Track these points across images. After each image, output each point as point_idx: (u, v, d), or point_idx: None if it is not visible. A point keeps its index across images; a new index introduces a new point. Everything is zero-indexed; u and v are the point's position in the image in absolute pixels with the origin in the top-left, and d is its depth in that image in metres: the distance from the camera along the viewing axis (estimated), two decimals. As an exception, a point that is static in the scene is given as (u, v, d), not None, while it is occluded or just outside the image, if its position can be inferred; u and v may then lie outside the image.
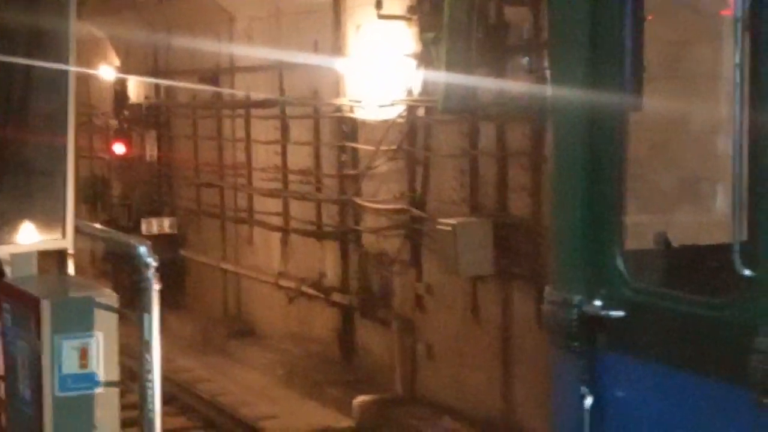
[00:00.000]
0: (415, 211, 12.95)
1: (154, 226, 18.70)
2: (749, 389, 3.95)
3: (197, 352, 16.87)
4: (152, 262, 6.04)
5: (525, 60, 9.59)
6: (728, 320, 4.11)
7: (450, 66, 10.00)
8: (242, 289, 17.73)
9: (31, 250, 6.56)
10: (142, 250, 6.03)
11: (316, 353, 15.25)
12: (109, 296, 6.15)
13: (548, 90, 5.32)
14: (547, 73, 5.42)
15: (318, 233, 15.23)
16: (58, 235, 6.52)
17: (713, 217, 7.64)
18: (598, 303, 4.66)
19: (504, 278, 11.59)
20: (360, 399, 13.05)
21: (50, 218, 6.57)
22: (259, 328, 17.05)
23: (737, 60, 4.03)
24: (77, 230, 6.71)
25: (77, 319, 6.03)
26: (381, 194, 13.70)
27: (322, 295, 14.98)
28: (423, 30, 12.01)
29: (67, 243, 6.56)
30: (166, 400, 13.16)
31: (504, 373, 11.76)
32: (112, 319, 6.11)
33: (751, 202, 4.16)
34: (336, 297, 14.72)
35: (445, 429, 12.24)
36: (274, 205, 16.35)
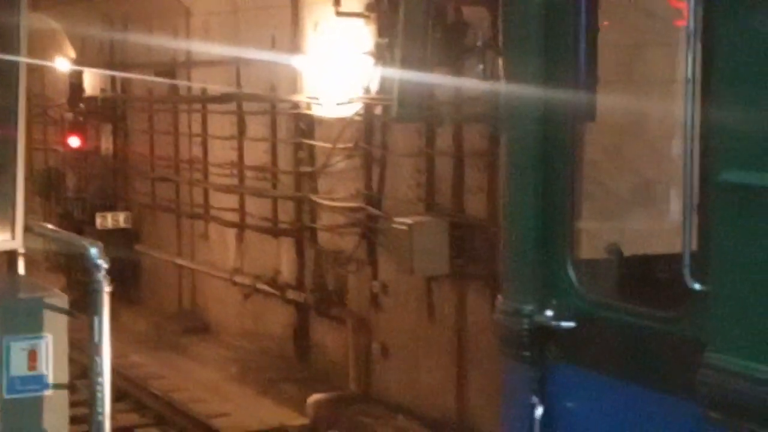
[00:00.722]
0: (372, 210, 12.94)
1: (108, 220, 18.59)
2: (697, 403, 3.95)
3: (151, 348, 16.77)
4: (103, 264, 6.00)
5: (480, 66, 9.56)
6: (677, 334, 4.12)
7: (405, 67, 9.99)
8: (197, 285, 17.65)
9: (-20, 251, 6.50)
10: (93, 251, 5.99)
11: (270, 350, 15.20)
12: (59, 298, 6.11)
13: (501, 94, 5.29)
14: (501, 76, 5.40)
15: (274, 230, 15.19)
16: (7, 235, 6.46)
17: (667, 223, 7.66)
18: (549, 313, 4.66)
19: (459, 278, 11.60)
20: (314, 397, 13.02)
21: (-1, 218, 6.50)
22: (214, 324, 16.98)
23: (689, 73, 4.04)
24: (28, 230, 6.65)
25: (26, 320, 5.99)
26: (337, 192, 13.67)
27: (277, 293, 14.93)
28: (381, 28, 11.98)
29: (17, 244, 6.50)
30: (118, 397, 13.11)
31: (458, 373, 11.78)
32: (62, 320, 6.08)
33: (702, 213, 4.17)
34: (291, 294, 14.68)
35: (398, 428, 12.24)
36: (230, 201, 16.29)
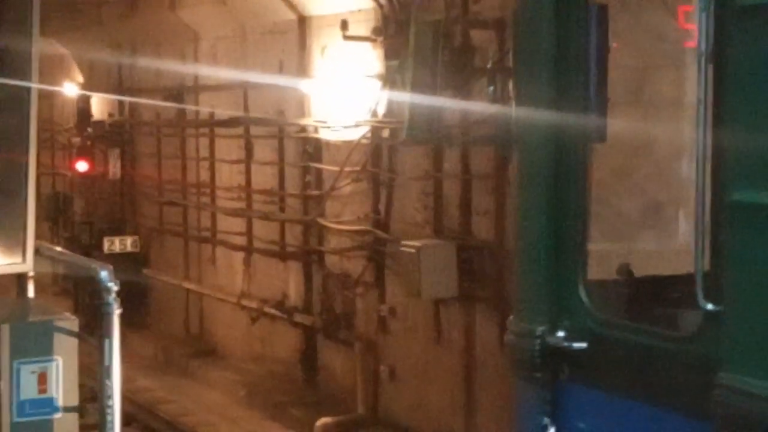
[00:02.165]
0: (379, 233, 12.93)
1: (116, 244, 18.59)
2: (711, 423, 3.94)
3: (159, 372, 16.75)
4: (113, 287, 6.01)
5: (490, 88, 9.59)
6: (690, 354, 4.11)
7: (415, 90, 10.01)
8: (205, 309, 17.64)
9: (-9, 274, 6.51)
10: (104, 274, 6.00)
11: (278, 374, 15.18)
12: (69, 320, 6.11)
13: (513, 116, 5.31)
14: (512, 99, 5.41)
15: (281, 253, 15.18)
16: (18, 258, 6.47)
17: (676, 244, 7.66)
18: (561, 334, 4.65)
19: (467, 301, 11.58)
20: (322, 420, 12.99)
21: (10, 241, 6.51)
22: (221, 348, 16.96)
23: (701, 94, 4.04)
24: (38, 253, 6.66)
25: (36, 343, 5.98)
26: (345, 215, 13.67)
27: (284, 316, 14.92)
28: (388, 52, 12.01)
29: (27, 267, 6.51)
30: (126, 422, 13.05)
31: (466, 397, 11.75)
32: (73, 343, 6.07)
33: (714, 234, 4.17)
34: (299, 318, 14.66)
35: (407, 451, 12.21)
36: (238, 224, 16.29)
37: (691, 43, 4.84)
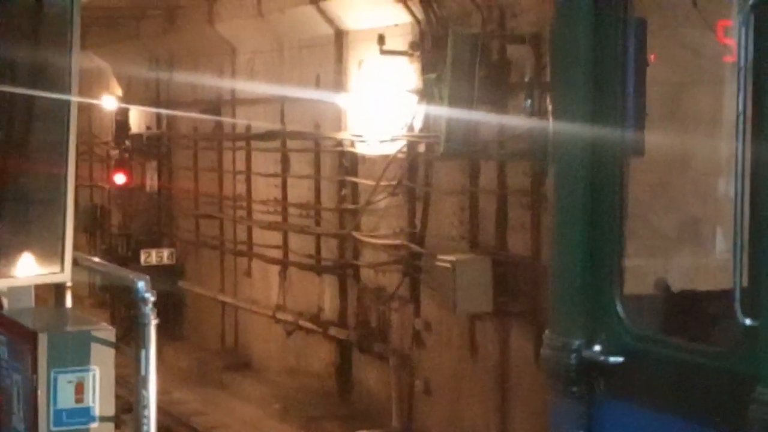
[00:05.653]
0: (415, 247, 12.93)
1: (153, 256, 18.67)
2: (748, 439, 3.92)
3: (194, 385, 16.80)
4: (150, 297, 6.02)
5: (527, 102, 9.57)
6: (728, 369, 4.09)
7: (453, 104, 10.02)
8: (240, 322, 17.68)
9: (29, 283, 6.54)
10: (141, 285, 6.01)
11: (312, 387, 15.19)
12: (106, 330, 6.12)
13: (550, 131, 5.31)
14: (549, 113, 5.42)
15: (317, 267, 15.21)
16: (56, 268, 6.50)
17: (713, 261, 7.62)
18: (597, 348, 4.64)
19: (502, 316, 11.56)
20: (356, 434, 13.00)
21: (49, 251, 6.55)
22: (256, 361, 16.99)
23: (740, 107, 4.03)
24: (75, 263, 6.69)
25: (74, 353, 6.00)
26: (380, 229, 13.68)
27: (319, 330, 14.93)
28: (425, 66, 12.03)
29: (65, 276, 6.54)
30: (162, 433, 13.12)
31: (501, 412, 11.71)
32: (109, 353, 6.08)
33: (753, 249, 4.15)
34: (334, 331, 14.67)
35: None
36: (274, 237, 16.34)
37: (730, 58, 4.82)
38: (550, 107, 5.44)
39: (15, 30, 6.45)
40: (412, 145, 12.90)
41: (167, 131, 20.32)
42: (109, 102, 20.49)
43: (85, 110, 21.52)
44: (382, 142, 13.27)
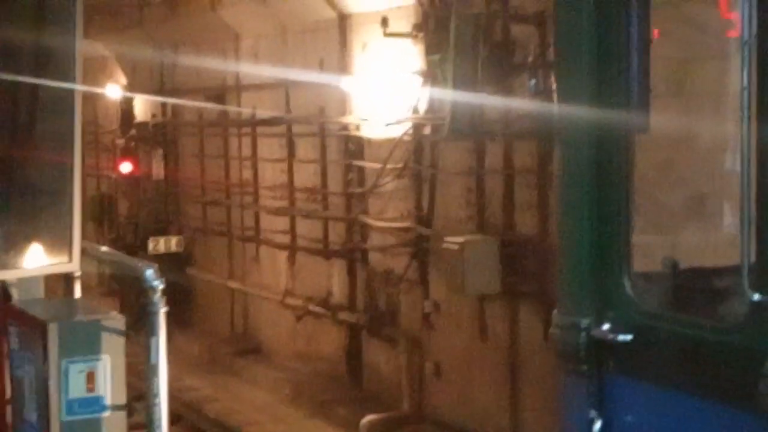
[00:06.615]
0: (422, 229, 12.94)
1: (161, 244, 18.69)
2: (758, 414, 3.92)
3: (204, 371, 16.84)
4: (159, 285, 6.05)
5: (532, 82, 9.55)
6: (737, 345, 4.09)
7: (457, 85, 10.01)
8: (249, 308, 17.71)
9: (39, 274, 6.56)
10: (149, 273, 6.04)
11: (323, 372, 15.22)
12: (116, 319, 6.14)
13: (555, 110, 5.30)
14: (554, 92, 5.41)
15: (325, 251, 15.22)
16: (65, 258, 6.52)
17: (720, 236, 7.61)
18: (606, 326, 4.63)
19: (511, 297, 11.57)
20: (368, 418, 13.01)
21: (57, 241, 6.57)
22: (266, 346, 17.03)
23: (745, 82, 4.02)
24: (84, 253, 6.71)
25: (84, 342, 6.02)
26: (388, 212, 13.69)
27: (329, 314, 14.95)
28: (429, 48, 12.01)
29: (74, 266, 6.56)
30: (173, 420, 13.14)
31: (511, 392, 11.73)
32: (119, 342, 6.11)
33: (760, 224, 4.14)
34: (343, 315, 14.70)
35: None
36: (281, 223, 16.35)
37: (734, 33, 4.81)
38: (554, 86, 5.41)
39: (19, 20, 6.46)
40: (417, 128, 12.90)
41: (172, 119, 20.33)
42: (113, 91, 20.50)
43: (90, 100, 21.53)
44: (387, 125, 13.27)
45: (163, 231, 19.66)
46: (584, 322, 4.71)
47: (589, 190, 4.81)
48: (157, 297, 5.96)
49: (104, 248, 7.78)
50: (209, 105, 17.90)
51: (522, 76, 10.91)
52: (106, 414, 6.02)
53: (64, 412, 5.94)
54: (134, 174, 20.65)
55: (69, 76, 6.56)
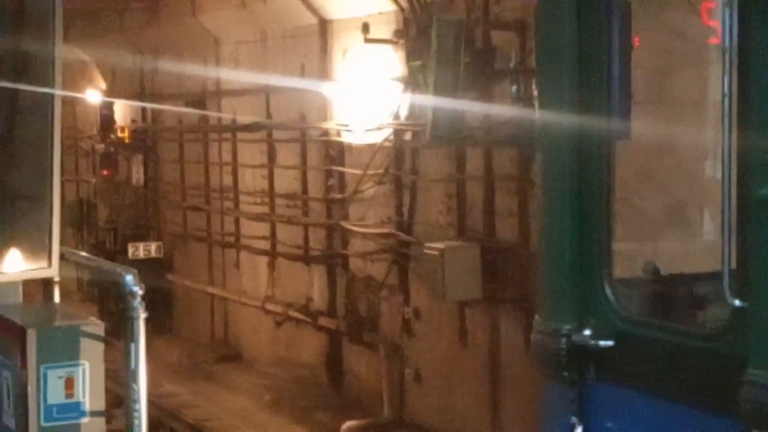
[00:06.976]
0: (403, 236, 12.93)
1: (140, 250, 18.63)
2: (739, 421, 3.92)
3: (184, 377, 16.79)
4: (138, 291, 6.01)
5: (513, 88, 9.56)
6: (718, 351, 4.09)
7: (438, 91, 10.01)
8: (229, 314, 17.67)
9: (17, 279, 6.52)
10: (129, 278, 6.00)
11: (303, 378, 15.19)
12: (95, 325, 6.11)
13: (536, 117, 5.30)
14: (535, 98, 5.41)
15: (305, 257, 15.20)
16: (43, 263, 6.48)
17: (700, 243, 7.63)
18: (587, 332, 4.64)
19: (492, 303, 11.57)
20: (348, 424, 12.99)
21: (36, 246, 6.52)
22: (246, 352, 16.99)
23: (725, 89, 4.03)
24: (63, 258, 6.67)
25: (63, 348, 5.98)
26: (368, 218, 13.68)
27: (309, 320, 14.93)
28: (410, 54, 12.01)
29: (53, 272, 6.52)
30: (153, 427, 13.11)
31: (492, 398, 11.73)
32: (99, 348, 6.07)
33: (740, 230, 4.15)
34: (323, 321, 14.67)
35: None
36: (261, 229, 16.32)
37: (715, 40, 4.82)
38: (535, 93, 5.42)
39: (-2, 24, 6.43)
40: (398, 134, 12.90)
41: (152, 124, 20.28)
42: (93, 96, 20.43)
43: (70, 104, 21.48)
44: (368, 131, 13.26)
45: (143, 236, 19.61)
46: (565, 328, 4.72)
47: (570, 196, 4.81)
48: (137, 303, 5.92)
49: (83, 253, 7.74)
50: (189, 110, 17.86)
51: (503, 83, 10.92)
52: (85, 420, 5.99)
53: (43, 418, 5.90)
54: (114, 179, 20.58)
55: (48, 81, 6.52)
